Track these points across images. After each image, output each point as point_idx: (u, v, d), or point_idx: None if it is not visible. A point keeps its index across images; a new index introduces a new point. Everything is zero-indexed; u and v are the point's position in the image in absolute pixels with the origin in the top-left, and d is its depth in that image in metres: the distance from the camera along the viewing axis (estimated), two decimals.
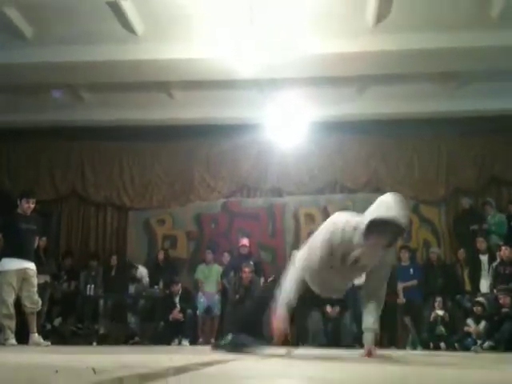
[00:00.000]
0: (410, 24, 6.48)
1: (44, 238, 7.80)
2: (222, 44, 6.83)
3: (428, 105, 8.80)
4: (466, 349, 6.81)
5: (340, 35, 6.76)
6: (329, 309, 7.54)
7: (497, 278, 7.51)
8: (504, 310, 6.98)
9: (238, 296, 7.94)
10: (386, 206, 3.19)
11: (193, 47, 6.94)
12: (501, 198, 9.51)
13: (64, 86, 8.57)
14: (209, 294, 8.66)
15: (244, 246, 8.78)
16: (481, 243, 8.12)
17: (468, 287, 8.09)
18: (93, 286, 8.36)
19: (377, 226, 3.04)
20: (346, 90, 8.65)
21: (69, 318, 8.42)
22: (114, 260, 9.06)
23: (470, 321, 7.20)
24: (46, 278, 7.81)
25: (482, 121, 9.20)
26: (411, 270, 8.46)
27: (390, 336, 8.13)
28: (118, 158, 10.18)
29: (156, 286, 8.34)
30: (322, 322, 7.53)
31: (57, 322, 8.35)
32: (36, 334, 5.94)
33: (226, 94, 8.72)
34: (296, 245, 9.62)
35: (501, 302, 7.06)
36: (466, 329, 7.11)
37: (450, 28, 6.53)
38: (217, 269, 8.89)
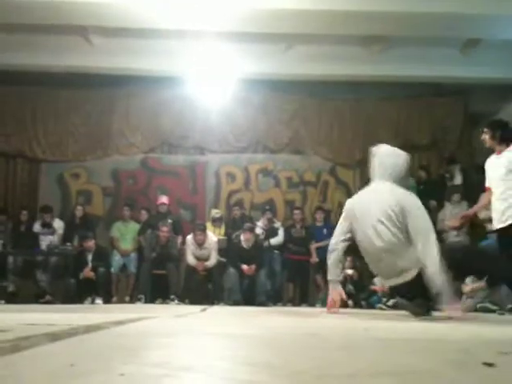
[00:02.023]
0: None
1: None
2: None
3: (351, 67, 8.91)
4: (372, 306, 7.16)
5: None
6: (245, 267, 7.65)
7: None
8: None
9: (154, 254, 7.88)
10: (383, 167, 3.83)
11: None
12: (412, 163, 9.93)
13: None
14: (124, 251, 8.52)
15: (163, 203, 8.66)
16: None
17: None
18: (1, 241, 7.93)
19: None
20: (272, 47, 8.57)
21: None
22: (24, 215, 8.63)
23: (376, 280, 7.57)
24: None
25: (399, 86, 9.50)
26: (325, 230, 8.70)
27: (301, 293, 8.44)
28: (30, 105, 9.56)
29: (69, 244, 8.04)
30: (237, 280, 7.63)
31: None
32: None
33: (150, 43, 8.34)
34: (216, 203, 9.67)
35: None
36: (372, 287, 7.45)
37: None
38: (134, 226, 8.72)
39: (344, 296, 4.29)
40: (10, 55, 8.54)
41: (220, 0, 6.72)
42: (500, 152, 4.65)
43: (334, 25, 7.29)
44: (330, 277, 4.02)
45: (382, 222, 3.59)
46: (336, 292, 4.06)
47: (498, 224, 4.58)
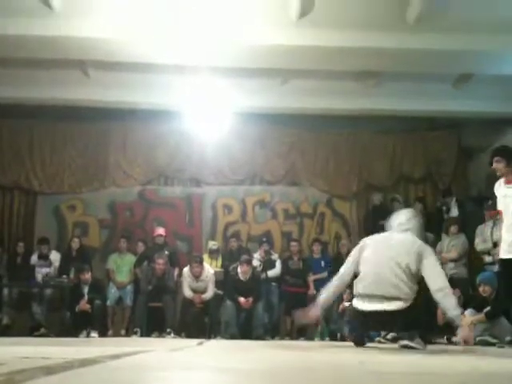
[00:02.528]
0: (332, 21, 6.60)
1: None
2: (143, 26, 6.65)
3: (346, 101, 9.04)
4: (371, 339, 7.08)
5: (264, 27, 6.79)
6: (242, 299, 7.58)
7: None
8: None
9: (150, 287, 7.82)
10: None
11: (112, 26, 6.68)
12: (408, 196, 10.02)
13: None
14: (120, 284, 8.46)
15: (159, 235, 8.65)
16: None
17: None
18: None
19: None
20: (268, 81, 8.70)
21: None
22: (20, 247, 8.61)
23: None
24: None
25: (395, 120, 9.64)
26: (322, 263, 8.71)
27: (299, 327, 8.34)
28: (27, 137, 9.62)
29: (65, 276, 7.99)
30: (234, 313, 7.56)
31: None
32: None
33: (146, 77, 8.46)
34: (213, 235, 9.65)
35: None
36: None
37: (368, 28, 6.73)
38: (130, 258, 8.68)
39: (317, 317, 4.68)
40: (6, 88, 8.64)
41: (216, 36, 6.85)
42: (510, 182, 4.61)
43: (329, 60, 7.42)
44: (322, 295, 4.28)
45: (397, 263, 3.90)
46: (314, 310, 4.38)
47: (504, 254, 4.58)
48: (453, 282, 7.18)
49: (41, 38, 6.76)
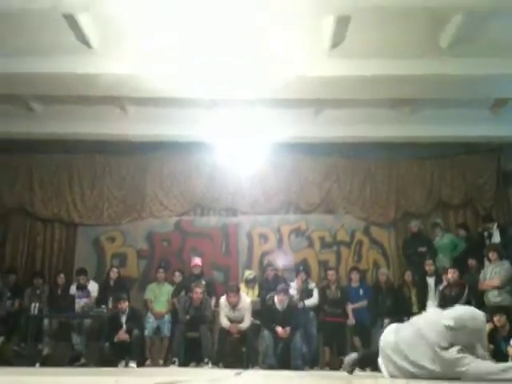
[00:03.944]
0: (363, 50, 6.66)
1: None
2: (177, 61, 6.84)
3: (382, 129, 9.03)
4: None
5: (298, 59, 6.89)
6: (279, 329, 7.49)
7: (443, 300, 7.69)
8: None
9: (188, 317, 7.83)
10: None
11: (147, 63, 6.90)
12: (448, 222, 9.81)
13: (14, 97, 8.34)
14: (158, 314, 8.50)
15: (196, 265, 8.68)
16: (429, 266, 8.30)
17: (415, 309, 8.24)
18: (37, 304, 8.00)
19: None
20: (302, 112, 8.79)
21: (12, 338, 8.08)
22: (61, 279, 8.78)
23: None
24: None
25: (432, 146, 9.53)
26: (361, 291, 8.57)
27: (339, 356, 8.17)
28: (67, 172, 9.92)
29: (103, 306, 8.08)
30: (272, 343, 7.47)
31: None
32: None
33: (180, 111, 8.69)
34: (249, 264, 9.63)
35: None
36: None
37: (402, 56, 6.76)
38: (167, 288, 8.74)
39: None
40: (48, 125, 9.01)
41: (250, 69, 6.96)
42: None
43: (362, 89, 7.46)
44: None
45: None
46: None
47: None
48: (497, 310, 6.99)
49: (80, 76, 7.03)
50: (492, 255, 7.76)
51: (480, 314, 3.70)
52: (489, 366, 3.46)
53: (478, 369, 3.42)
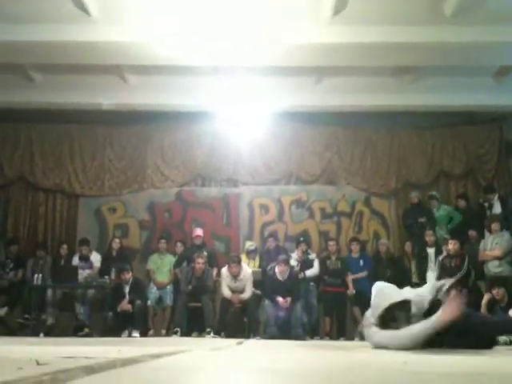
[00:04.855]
0: (366, 17, 6.55)
1: None
2: (178, 29, 6.74)
3: (383, 98, 8.94)
4: None
5: (299, 26, 6.78)
6: (280, 299, 7.57)
7: (442, 271, 7.73)
8: None
9: (190, 287, 7.89)
10: None
11: (147, 30, 6.80)
12: (449, 193, 9.80)
13: (13, 66, 8.24)
14: (161, 284, 8.57)
15: (198, 236, 8.73)
16: (429, 236, 8.32)
17: (415, 279, 8.30)
18: (40, 275, 8.05)
19: None
20: (303, 80, 8.68)
21: (15, 308, 8.18)
22: (63, 249, 8.82)
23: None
24: None
25: (433, 115, 9.44)
26: (361, 262, 8.62)
27: (339, 327, 8.28)
28: (68, 142, 9.87)
29: (106, 277, 8.14)
30: (273, 313, 7.55)
31: (2, 311, 8.11)
32: None
33: (181, 80, 8.58)
34: (250, 235, 9.67)
35: None
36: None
37: (404, 23, 6.65)
38: (170, 259, 8.79)
39: None
40: (47, 94, 8.92)
41: (251, 36, 6.87)
42: None
43: (364, 57, 7.35)
44: None
45: None
46: None
47: None
48: (497, 280, 7.03)
49: (80, 44, 6.94)
50: (494, 226, 7.77)
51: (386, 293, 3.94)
52: (382, 334, 3.75)
53: (377, 337, 3.79)
